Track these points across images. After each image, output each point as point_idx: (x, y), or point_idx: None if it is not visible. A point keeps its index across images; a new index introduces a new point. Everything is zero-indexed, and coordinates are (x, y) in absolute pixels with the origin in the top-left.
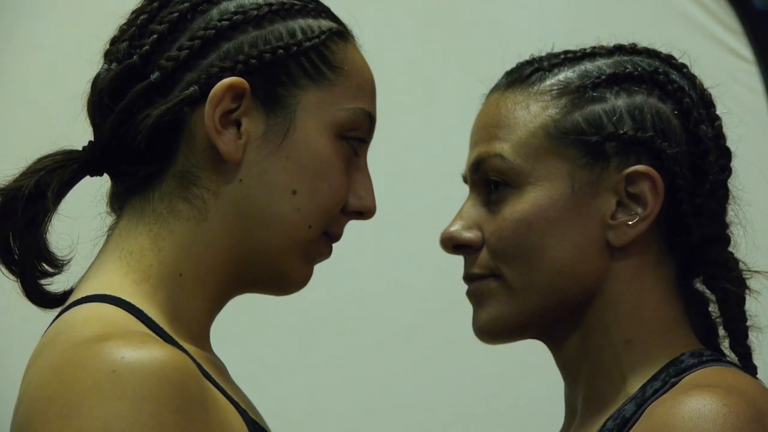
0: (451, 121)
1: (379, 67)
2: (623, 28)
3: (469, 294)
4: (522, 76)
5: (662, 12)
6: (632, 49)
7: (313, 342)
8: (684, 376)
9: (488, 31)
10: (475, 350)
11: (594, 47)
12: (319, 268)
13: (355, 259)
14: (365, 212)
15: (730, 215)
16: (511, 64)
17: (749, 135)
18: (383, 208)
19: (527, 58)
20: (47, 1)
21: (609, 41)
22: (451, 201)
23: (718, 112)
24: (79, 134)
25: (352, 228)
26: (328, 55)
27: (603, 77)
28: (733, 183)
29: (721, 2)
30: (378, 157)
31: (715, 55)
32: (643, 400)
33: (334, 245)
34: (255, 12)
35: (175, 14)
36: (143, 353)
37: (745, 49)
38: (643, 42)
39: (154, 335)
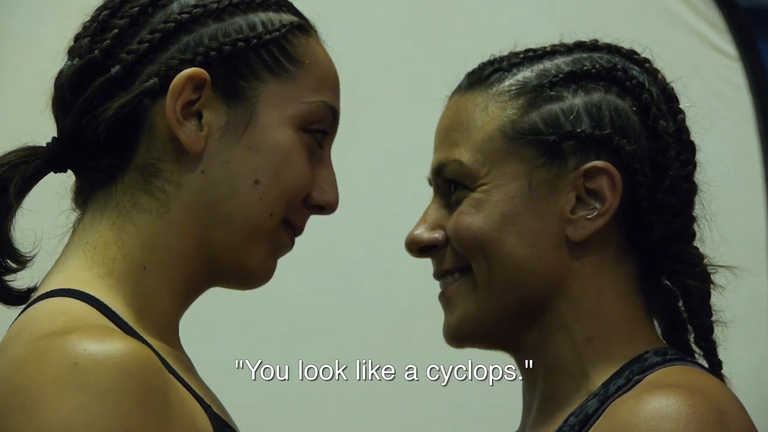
0: (435, 118)
1: (364, 64)
2: (608, 26)
3: (440, 297)
4: (482, 76)
5: (647, 9)
6: (592, 46)
7: (301, 339)
8: (647, 374)
9: (473, 30)
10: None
11: (554, 45)
12: (306, 263)
13: (345, 254)
14: (327, 207)
15: (697, 209)
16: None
17: (733, 131)
18: (369, 204)
19: (489, 57)
20: (43, 1)
21: (593, 38)
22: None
23: (682, 106)
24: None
25: (346, 224)
26: (289, 48)
27: (561, 75)
28: (700, 177)
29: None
30: (366, 151)
31: (700, 51)
32: (606, 396)
33: (326, 243)
34: (215, 5)
35: (136, 8)
36: (105, 346)
37: (728, 46)
38: (628, 38)
39: (117, 329)
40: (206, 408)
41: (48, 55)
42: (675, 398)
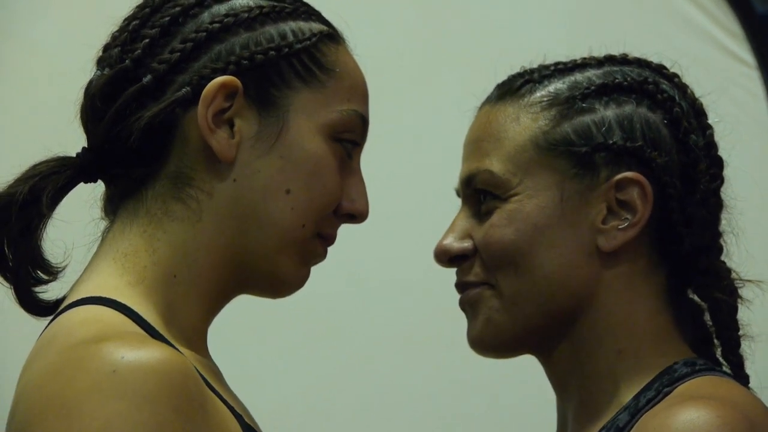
0: (453, 125)
1: (382, 70)
2: (624, 32)
3: (461, 304)
4: (512, 88)
5: (663, 16)
6: (623, 60)
7: (314, 344)
8: (677, 386)
9: (488, 36)
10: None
11: (585, 58)
12: (322, 271)
13: (358, 260)
14: (357, 216)
15: (723, 224)
16: (509, 70)
17: (751, 140)
18: (384, 210)
19: (519, 69)
20: (45, 1)
21: (609, 46)
22: (451, 202)
23: (710, 122)
24: (77, 137)
25: (356, 229)
26: (319, 57)
27: (593, 88)
28: (727, 191)
29: (723, 6)
30: (381, 156)
31: (717, 59)
32: (636, 409)
33: (335, 246)
34: (246, 15)
35: (167, 18)
36: (142, 353)
37: (746, 54)
38: (645, 46)
39: (150, 337)
40: (238, 417)
41: (51, 57)
42: (706, 410)
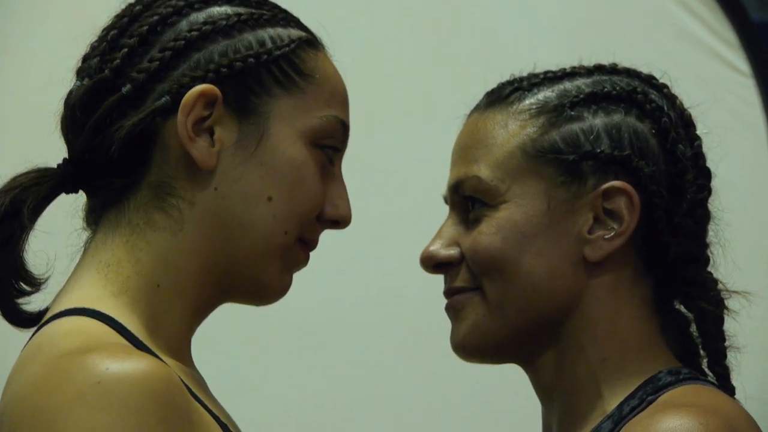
0: (446, 132)
1: (375, 78)
2: (619, 42)
3: (447, 308)
4: (501, 95)
5: (659, 26)
6: (612, 69)
7: (306, 350)
8: (661, 394)
9: (484, 48)
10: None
11: (574, 67)
12: (316, 275)
13: (350, 265)
14: (340, 221)
15: (711, 235)
16: (501, 78)
17: (746, 149)
18: (377, 215)
19: (508, 77)
20: (42, 7)
21: (605, 54)
22: (443, 208)
23: (698, 132)
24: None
25: (349, 236)
26: (299, 63)
27: (581, 96)
28: (716, 201)
29: (718, 15)
30: (373, 162)
31: (712, 68)
32: (620, 418)
33: (330, 251)
34: (224, 22)
35: (145, 27)
36: (128, 364)
37: (741, 62)
38: (640, 54)
39: (134, 348)
40: (223, 426)
41: (47, 63)
42: (687, 417)
